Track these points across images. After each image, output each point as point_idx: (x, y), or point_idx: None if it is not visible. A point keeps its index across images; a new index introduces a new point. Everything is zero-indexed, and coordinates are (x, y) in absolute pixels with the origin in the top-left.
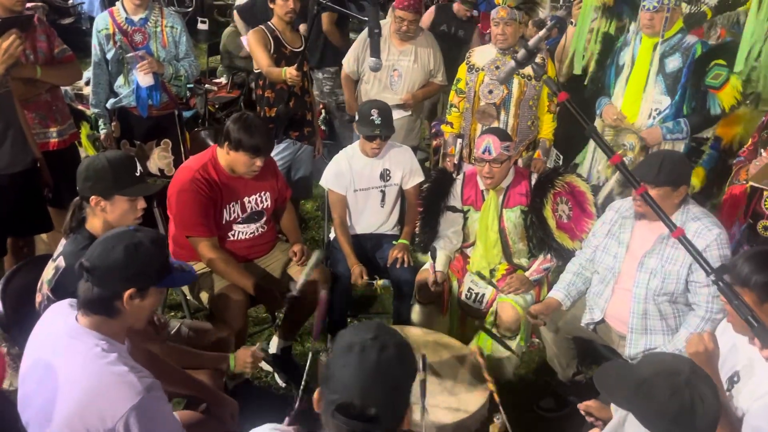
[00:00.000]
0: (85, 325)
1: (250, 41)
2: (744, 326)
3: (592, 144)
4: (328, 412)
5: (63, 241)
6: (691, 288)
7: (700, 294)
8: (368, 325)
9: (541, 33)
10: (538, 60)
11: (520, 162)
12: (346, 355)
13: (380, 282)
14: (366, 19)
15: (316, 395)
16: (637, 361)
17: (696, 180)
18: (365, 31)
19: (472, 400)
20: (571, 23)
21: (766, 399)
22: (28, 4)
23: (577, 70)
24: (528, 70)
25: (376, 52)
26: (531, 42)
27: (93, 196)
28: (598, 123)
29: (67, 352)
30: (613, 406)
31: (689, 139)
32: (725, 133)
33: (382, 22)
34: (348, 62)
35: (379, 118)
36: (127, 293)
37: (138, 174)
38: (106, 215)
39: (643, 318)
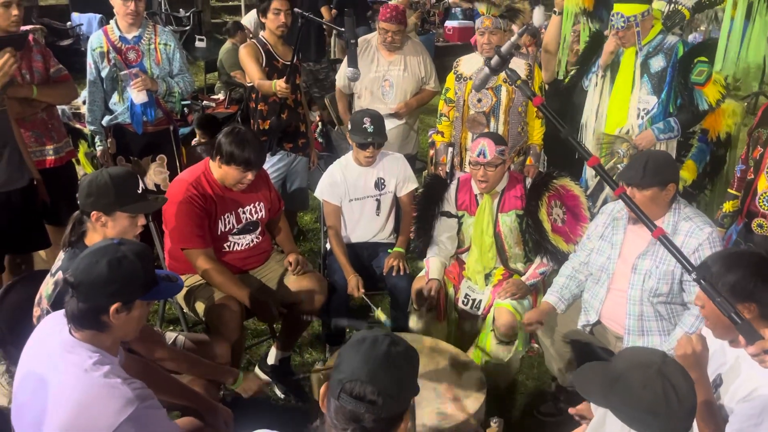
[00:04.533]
0: (78, 338)
1: (242, 55)
2: (724, 328)
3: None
4: (334, 395)
5: (61, 255)
6: (685, 287)
7: (695, 293)
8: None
9: (513, 39)
10: (524, 68)
11: (511, 167)
12: (358, 345)
13: (381, 315)
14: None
15: (322, 390)
16: (612, 358)
17: (687, 174)
18: None
19: (468, 405)
20: (554, 12)
21: (749, 401)
22: (27, 27)
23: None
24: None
25: (353, 62)
26: (503, 48)
27: (94, 212)
28: (595, 129)
29: (60, 365)
30: (592, 405)
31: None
32: (711, 125)
33: (370, 35)
34: (339, 77)
35: (372, 126)
36: (112, 308)
37: (140, 191)
38: (106, 230)
39: (639, 320)
